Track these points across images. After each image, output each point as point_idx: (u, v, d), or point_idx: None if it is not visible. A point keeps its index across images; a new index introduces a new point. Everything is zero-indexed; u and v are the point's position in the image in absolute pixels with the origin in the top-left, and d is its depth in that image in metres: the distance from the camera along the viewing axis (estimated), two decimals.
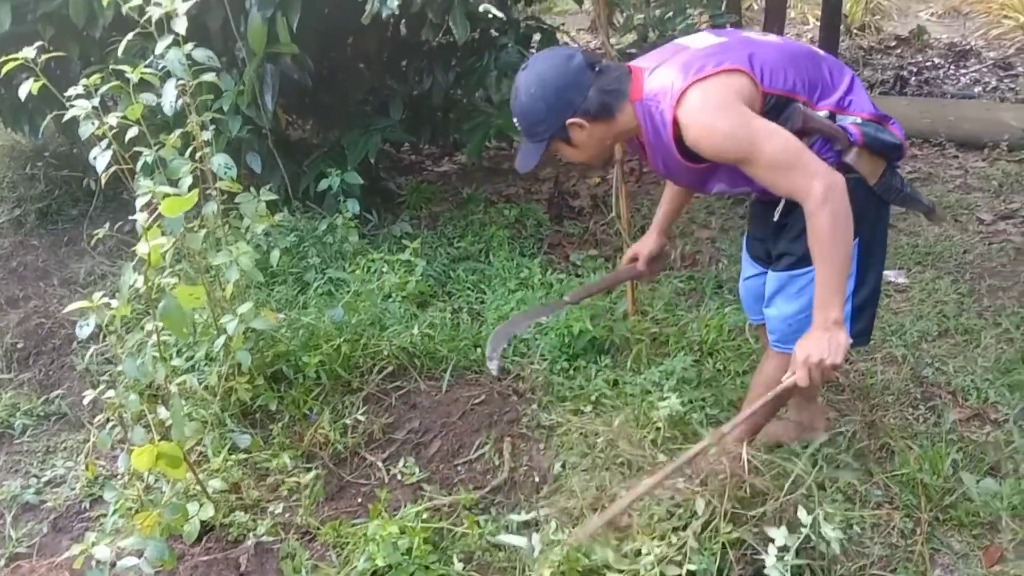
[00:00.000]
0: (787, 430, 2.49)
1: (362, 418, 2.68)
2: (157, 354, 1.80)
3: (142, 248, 1.54)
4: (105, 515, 2.42)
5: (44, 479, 2.67)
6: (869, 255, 2.03)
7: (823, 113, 1.93)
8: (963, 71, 6.55)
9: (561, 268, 3.67)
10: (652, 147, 1.98)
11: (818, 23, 7.06)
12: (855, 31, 7.57)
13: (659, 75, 1.91)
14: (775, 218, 2.06)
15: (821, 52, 2.09)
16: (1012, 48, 6.95)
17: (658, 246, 2.48)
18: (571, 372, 2.88)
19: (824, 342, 1.81)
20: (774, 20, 3.93)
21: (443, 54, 4.00)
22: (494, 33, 4.03)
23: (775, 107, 1.89)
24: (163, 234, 2.17)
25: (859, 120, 1.94)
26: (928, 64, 6.74)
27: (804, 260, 1.99)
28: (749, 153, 1.81)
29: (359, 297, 3.08)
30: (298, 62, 3.41)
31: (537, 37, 4.14)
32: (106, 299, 1.80)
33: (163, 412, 2.02)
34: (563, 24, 6.90)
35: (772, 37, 2.11)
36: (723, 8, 3.60)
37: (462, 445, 2.66)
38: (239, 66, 3.51)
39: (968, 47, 7.07)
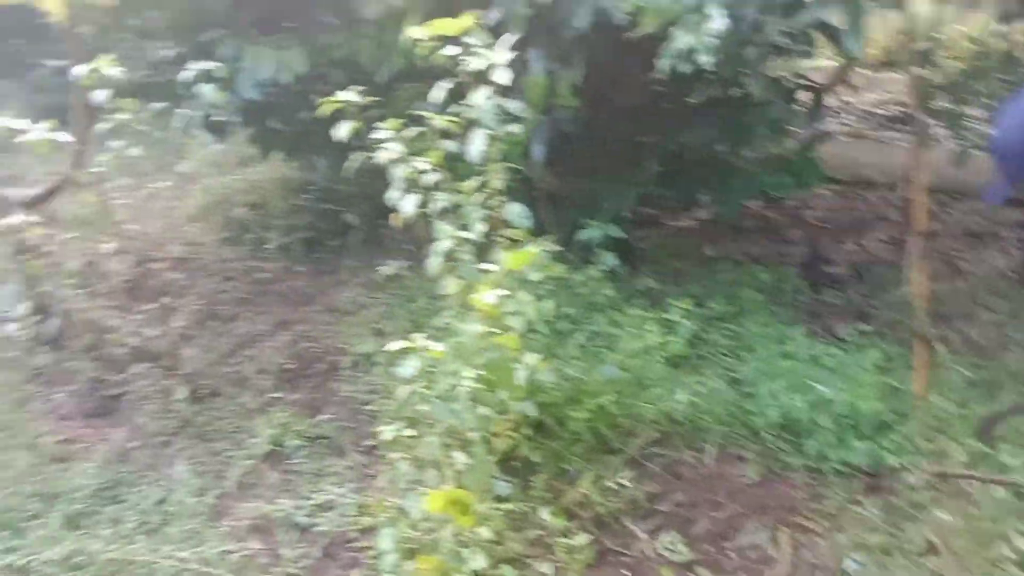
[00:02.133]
0: None
1: (628, 483, 2.58)
2: (471, 399, 1.79)
3: (488, 298, 1.52)
4: (369, 548, 2.46)
5: (314, 502, 2.74)
6: None
7: None
8: None
9: (825, 340, 3.41)
10: None
11: None
12: None
13: None
14: None
15: None
16: None
17: None
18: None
19: None
20: None
21: (704, 109, 3.91)
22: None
23: None
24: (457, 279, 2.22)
25: None
26: None
27: None
28: None
29: (627, 355, 3.00)
30: (572, 115, 3.42)
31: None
32: (427, 341, 1.82)
33: (458, 457, 2.02)
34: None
35: None
36: None
37: (731, 527, 2.49)
38: None
39: None
